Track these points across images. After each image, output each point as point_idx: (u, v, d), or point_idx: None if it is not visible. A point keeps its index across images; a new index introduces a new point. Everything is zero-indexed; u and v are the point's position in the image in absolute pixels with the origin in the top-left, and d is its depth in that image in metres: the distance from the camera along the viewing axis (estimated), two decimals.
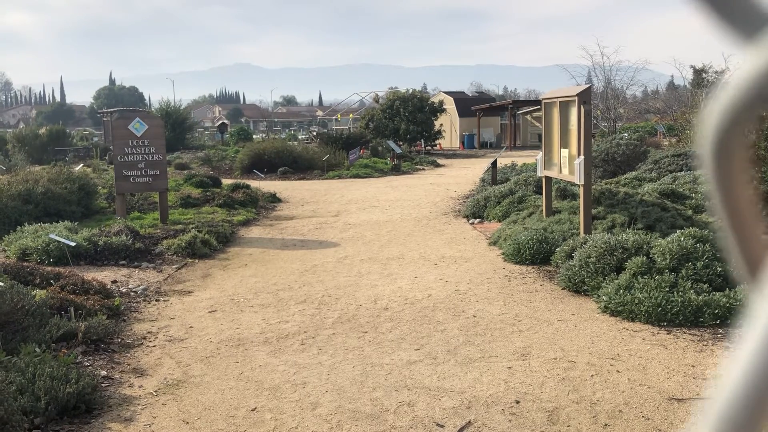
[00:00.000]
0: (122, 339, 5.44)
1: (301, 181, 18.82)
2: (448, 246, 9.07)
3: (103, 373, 4.68)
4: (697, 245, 6.09)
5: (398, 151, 23.04)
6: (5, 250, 8.69)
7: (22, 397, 3.87)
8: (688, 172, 11.89)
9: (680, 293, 5.52)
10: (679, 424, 3.73)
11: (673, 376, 4.42)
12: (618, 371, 4.51)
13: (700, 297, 5.48)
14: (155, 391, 4.38)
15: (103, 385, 4.45)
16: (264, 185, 16.06)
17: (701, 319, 5.35)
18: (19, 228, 9.19)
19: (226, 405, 4.16)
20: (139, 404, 4.19)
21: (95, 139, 39.15)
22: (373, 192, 15.58)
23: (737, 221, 0.33)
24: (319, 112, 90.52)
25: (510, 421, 3.83)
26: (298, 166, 20.46)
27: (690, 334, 5.19)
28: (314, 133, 35.25)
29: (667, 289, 5.59)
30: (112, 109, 38.24)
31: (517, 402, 4.06)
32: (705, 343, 5.03)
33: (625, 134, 17.63)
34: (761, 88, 0.30)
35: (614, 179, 12.12)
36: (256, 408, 4.10)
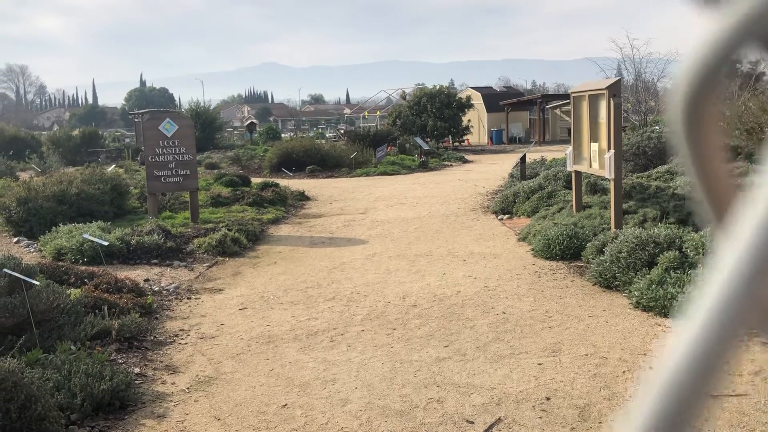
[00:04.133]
0: (155, 337, 5.53)
1: (329, 179, 18.90)
2: (476, 242, 9.03)
3: (137, 370, 4.75)
4: None
5: (426, 147, 22.98)
6: (41, 250, 8.88)
7: (59, 393, 3.95)
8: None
9: None
10: (712, 420, 3.66)
11: None
12: (651, 367, 4.44)
13: None
14: (187, 388, 4.44)
15: (136, 382, 4.52)
16: (292, 183, 16.16)
17: None
18: (54, 228, 9.39)
19: (257, 401, 4.20)
20: (171, 401, 4.25)
21: (127, 140, 39.75)
22: (401, 189, 15.58)
23: (707, 174, 0.34)
24: (347, 110, 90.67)
25: (541, 417, 3.80)
26: (326, 164, 20.54)
27: None
28: (342, 131, 35.35)
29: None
30: (143, 110, 38.72)
31: (548, 398, 4.03)
32: (740, 339, 4.93)
33: (657, 127, 17.36)
34: (728, 48, 0.30)
35: (645, 173, 11.93)
36: (286, 404, 4.13)
